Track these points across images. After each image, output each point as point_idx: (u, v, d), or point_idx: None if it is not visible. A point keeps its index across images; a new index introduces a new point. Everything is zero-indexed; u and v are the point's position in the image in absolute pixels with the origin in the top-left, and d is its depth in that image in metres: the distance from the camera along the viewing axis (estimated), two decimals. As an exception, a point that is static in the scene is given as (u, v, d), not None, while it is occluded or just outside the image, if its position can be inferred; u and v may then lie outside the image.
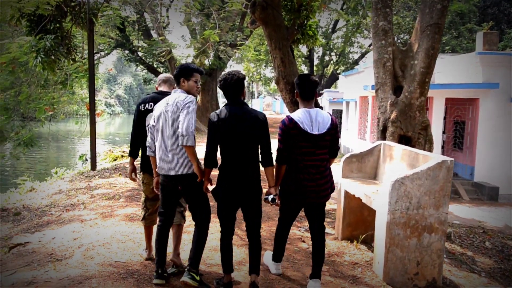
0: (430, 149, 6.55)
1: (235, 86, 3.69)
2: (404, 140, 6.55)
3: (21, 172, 17.60)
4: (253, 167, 3.70)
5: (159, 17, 20.35)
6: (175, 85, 4.02)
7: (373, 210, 4.96)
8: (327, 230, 5.83)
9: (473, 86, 12.26)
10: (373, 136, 14.37)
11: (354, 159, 5.46)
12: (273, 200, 3.75)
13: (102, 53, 24.25)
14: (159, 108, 3.86)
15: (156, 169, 3.92)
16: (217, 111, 3.70)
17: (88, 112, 17.18)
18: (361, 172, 5.47)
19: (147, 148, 3.99)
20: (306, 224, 6.00)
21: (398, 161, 4.97)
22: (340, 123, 29.57)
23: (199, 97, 26.30)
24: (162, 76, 4.53)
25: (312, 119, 3.78)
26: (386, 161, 5.25)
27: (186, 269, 3.77)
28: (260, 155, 3.73)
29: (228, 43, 21.64)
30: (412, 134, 6.48)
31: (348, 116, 22.61)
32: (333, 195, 9.14)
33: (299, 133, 3.74)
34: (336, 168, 13.13)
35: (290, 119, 3.78)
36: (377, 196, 4.44)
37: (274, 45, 10.85)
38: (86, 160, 12.20)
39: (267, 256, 4.47)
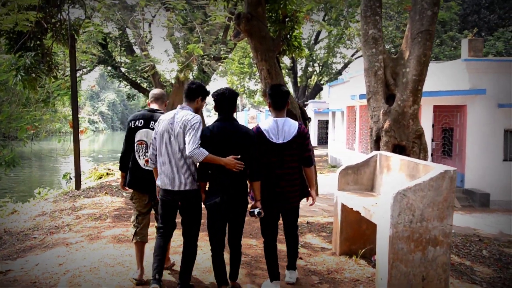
0: (425, 158, 6.42)
1: (230, 102, 3.82)
2: (398, 149, 6.42)
3: (3, 193, 17.16)
4: (243, 179, 3.85)
5: (142, 33, 20.13)
6: (186, 102, 3.99)
7: (371, 223, 4.78)
8: (324, 245, 5.64)
9: (460, 93, 12.27)
10: (362, 146, 14.28)
11: (349, 171, 5.29)
12: (258, 213, 3.88)
13: (85, 70, 23.93)
14: (164, 122, 3.88)
15: (157, 182, 3.96)
16: (209, 127, 3.80)
17: (72, 129, 16.89)
18: (357, 184, 5.30)
19: (149, 161, 4.04)
20: (302, 239, 5.80)
21: (396, 172, 4.81)
22: (326, 133, 29.60)
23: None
24: (155, 93, 4.49)
25: (279, 128, 3.96)
26: (383, 172, 5.09)
27: None
28: (248, 170, 3.83)
29: (212, 56, 21.49)
30: (406, 143, 6.35)
31: (335, 126, 22.57)
32: (329, 208, 8.99)
33: (264, 142, 3.94)
34: (325, 179, 12.97)
35: (258, 129, 4.02)
36: (377, 209, 4.26)
37: (260, 57, 10.71)
38: (70, 178, 11.89)
39: (265, 285, 4.19)
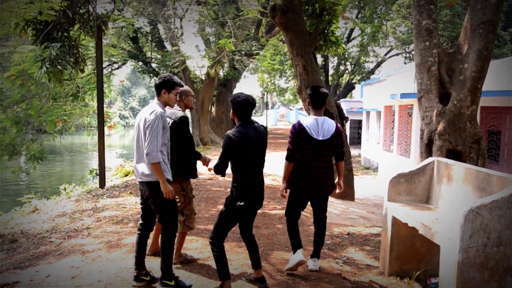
0: (484, 165, 5.69)
1: (252, 108, 3.95)
2: (452, 154, 5.71)
3: (31, 188, 17.10)
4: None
5: (173, 27, 19.76)
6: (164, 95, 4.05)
7: (427, 240, 4.13)
8: (369, 261, 5.00)
9: (509, 94, 11.31)
10: (400, 148, 13.45)
11: (402, 179, 4.62)
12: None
13: (116, 65, 23.80)
14: (137, 117, 4.03)
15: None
16: (235, 133, 3.80)
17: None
18: (410, 195, 4.63)
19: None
20: (344, 254, 5.16)
21: (460, 183, 4.12)
22: (358, 133, 28.65)
23: (213, 108, 25.65)
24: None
25: (319, 126, 4.29)
26: (443, 182, 4.41)
27: (159, 282, 3.90)
28: None
29: (243, 52, 20.97)
30: (462, 148, 5.64)
31: (369, 127, 21.69)
32: (368, 216, 8.31)
33: (306, 138, 4.27)
34: (359, 181, 12.23)
35: (300, 125, 4.32)
36: (439, 227, 3.60)
37: (295, 52, 10.08)
38: (97, 174, 11.54)
39: (292, 259, 4.44)
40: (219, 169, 3.88)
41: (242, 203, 3.81)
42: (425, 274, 4.37)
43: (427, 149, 5.85)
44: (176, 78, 4.05)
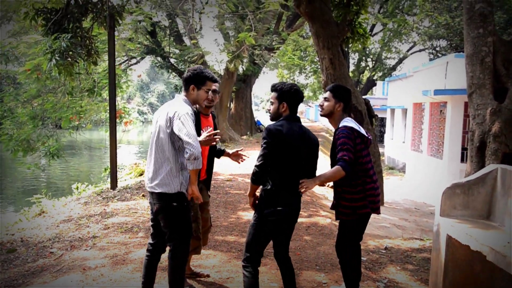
0: (546, 173, 4.91)
1: (301, 101, 3.39)
2: (507, 159, 4.96)
3: (46, 186, 16.79)
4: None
5: (191, 21, 19.17)
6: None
7: (489, 264, 3.39)
8: (414, 284, 4.29)
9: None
10: (431, 149, 12.62)
11: (458, 190, 3.88)
12: None
13: (134, 60, 23.34)
14: (156, 115, 3.39)
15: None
16: (277, 126, 3.19)
17: (120, 120, 16.13)
18: (467, 209, 3.90)
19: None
20: (384, 275, 4.45)
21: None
22: (381, 131, 27.73)
23: (232, 105, 25.04)
24: None
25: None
26: (510, 195, 3.66)
27: None
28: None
29: (264, 47, 20.28)
30: (521, 153, 4.87)
31: (393, 125, 20.84)
32: (402, 223, 7.60)
33: (362, 141, 3.49)
34: (385, 183, 11.40)
35: (351, 128, 3.44)
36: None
37: (322, 44, 9.32)
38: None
39: None
40: (261, 175, 3.17)
41: (281, 209, 3.16)
42: (486, 305, 3.66)
43: (479, 153, 5.11)
44: (208, 72, 3.40)
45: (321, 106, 3.65)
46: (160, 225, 3.31)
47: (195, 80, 3.34)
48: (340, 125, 3.51)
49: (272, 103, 3.36)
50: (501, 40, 5.16)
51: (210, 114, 3.88)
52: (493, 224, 3.72)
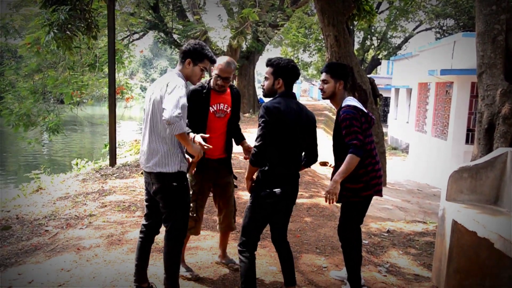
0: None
1: (297, 79, 3.23)
2: (516, 143, 4.79)
3: (54, 160, 16.78)
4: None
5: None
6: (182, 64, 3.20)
7: (495, 251, 3.25)
8: (417, 270, 4.18)
9: None
10: (436, 130, 12.42)
11: (465, 174, 3.74)
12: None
13: (136, 36, 23.01)
14: (149, 91, 3.18)
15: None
16: (275, 104, 3.05)
17: (121, 96, 15.93)
18: (475, 194, 3.76)
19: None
20: (386, 259, 4.35)
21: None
22: (384, 111, 27.46)
23: (235, 82, 24.78)
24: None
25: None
26: (520, 180, 3.52)
27: None
28: (305, 155, 3.27)
29: (268, 23, 19.93)
30: (531, 136, 4.70)
31: (397, 104, 20.59)
32: (404, 205, 7.51)
33: (366, 121, 3.34)
34: (388, 163, 11.26)
35: (355, 107, 3.29)
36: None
37: (327, 21, 9.06)
38: (111, 149, 10.91)
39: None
40: (258, 156, 3.03)
41: (278, 190, 3.03)
42: (491, 293, 3.55)
43: (487, 135, 4.95)
44: (209, 50, 3.18)
45: (322, 89, 3.46)
46: (155, 206, 3.17)
47: (193, 55, 3.13)
48: (343, 105, 3.35)
49: (266, 78, 3.18)
50: (514, 18, 4.94)
51: (229, 90, 3.66)
52: (501, 210, 3.59)
